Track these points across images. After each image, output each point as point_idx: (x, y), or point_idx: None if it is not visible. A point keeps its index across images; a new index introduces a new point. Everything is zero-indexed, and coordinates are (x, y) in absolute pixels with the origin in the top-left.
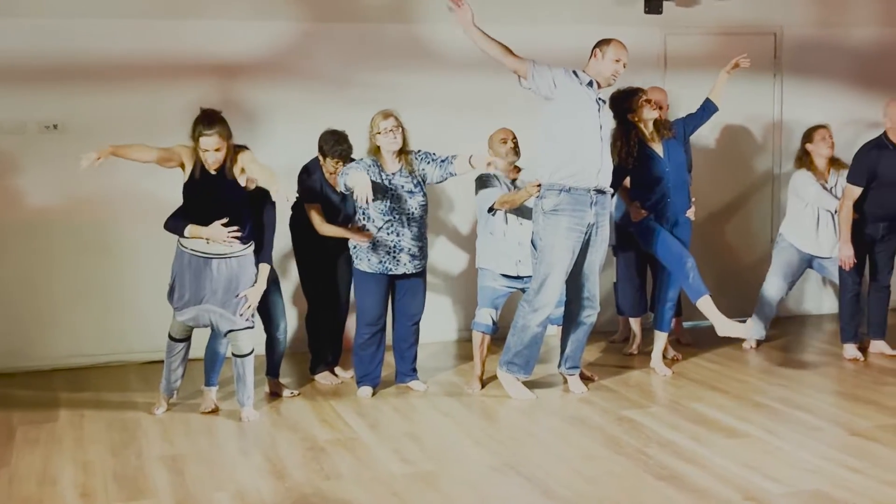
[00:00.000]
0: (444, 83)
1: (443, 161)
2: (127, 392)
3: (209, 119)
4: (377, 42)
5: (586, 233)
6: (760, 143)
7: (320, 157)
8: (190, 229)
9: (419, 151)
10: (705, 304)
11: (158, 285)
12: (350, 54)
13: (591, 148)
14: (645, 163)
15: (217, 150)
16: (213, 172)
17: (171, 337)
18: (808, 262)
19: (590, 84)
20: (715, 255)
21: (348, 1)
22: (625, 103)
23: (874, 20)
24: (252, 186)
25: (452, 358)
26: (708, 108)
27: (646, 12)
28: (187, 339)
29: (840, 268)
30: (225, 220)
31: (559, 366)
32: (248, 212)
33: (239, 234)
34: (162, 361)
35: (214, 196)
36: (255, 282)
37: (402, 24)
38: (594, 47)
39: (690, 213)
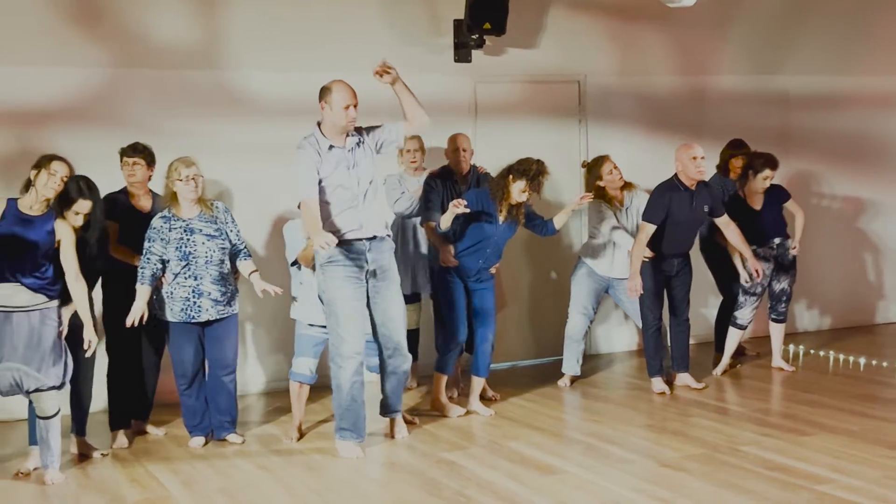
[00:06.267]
0: (252, 130)
1: (240, 250)
2: None
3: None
4: (183, 88)
5: (366, 280)
6: (567, 185)
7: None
8: None
9: (229, 216)
10: (477, 385)
11: None
12: (156, 101)
13: (349, 203)
14: (480, 221)
15: (65, 176)
16: (35, 214)
17: None
18: (605, 286)
19: (331, 147)
20: (523, 296)
21: (151, 47)
22: (509, 178)
23: (666, 69)
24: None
25: (270, 409)
26: (548, 228)
27: (456, 61)
28: None
29: (640, 306)
30: None
31: (380, 413)
32: (51, 261)
33: None
34: None
35: (17, 241)
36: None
37: (208, 70)
38: (320, 98)
39: (494, 269)
